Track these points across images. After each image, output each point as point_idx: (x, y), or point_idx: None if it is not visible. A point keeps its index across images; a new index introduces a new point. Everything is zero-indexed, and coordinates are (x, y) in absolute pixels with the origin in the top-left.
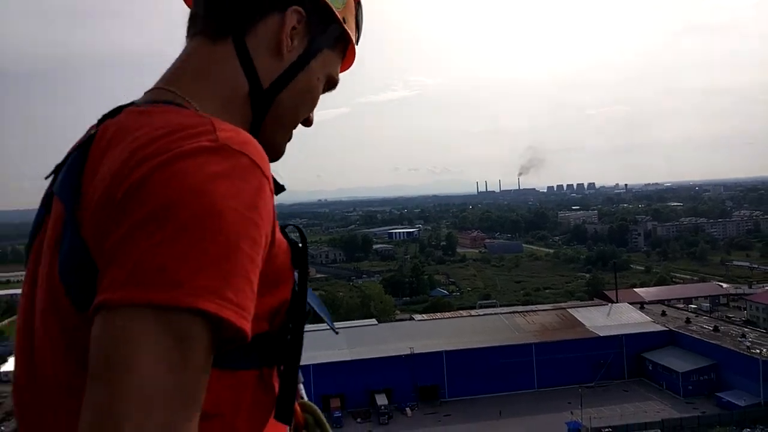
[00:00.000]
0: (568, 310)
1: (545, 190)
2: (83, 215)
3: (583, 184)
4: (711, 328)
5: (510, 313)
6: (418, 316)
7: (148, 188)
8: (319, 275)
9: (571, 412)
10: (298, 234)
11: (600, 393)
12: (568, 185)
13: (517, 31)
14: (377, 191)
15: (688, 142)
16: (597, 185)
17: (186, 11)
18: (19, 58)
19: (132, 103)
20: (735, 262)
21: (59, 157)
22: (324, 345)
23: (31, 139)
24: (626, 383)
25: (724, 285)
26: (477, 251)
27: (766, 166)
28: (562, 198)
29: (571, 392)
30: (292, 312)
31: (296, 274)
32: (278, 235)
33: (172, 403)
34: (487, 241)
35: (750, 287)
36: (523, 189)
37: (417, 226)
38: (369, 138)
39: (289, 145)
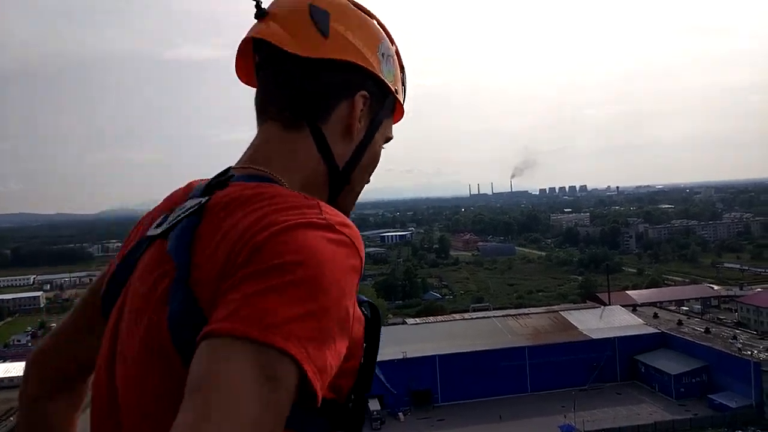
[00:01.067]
0: (560, 312)
1: (537, 193)
2: (197, 276)
3: (575, 186)
4: (702, 330)
5: (503, 316)
6: (410, 320)
7: (265, 250)
8: None
9: (565, 416)
10: (368, 307)
11: (593, 396)
12: (560, 187)
13: (512, 32)
14: (370, 193)
15: (679, 144)
16: (589, 187)
17: (182, 12)
18: None
19: (230, 176)
20: (726, 264)
21: (44, 162)
22: None
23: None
24: (619, 386)
25: (716, 287)
26: (470, 254)
27: (756, 168)
28: (555, 200)
29: (565, 395)
30: (359, 383)
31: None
32: (357, 309)
33: (252, 430)
34: (480, 243)
35: (741, 289)
36: (516, 191)
37: (410, 229)
38: None
39: None
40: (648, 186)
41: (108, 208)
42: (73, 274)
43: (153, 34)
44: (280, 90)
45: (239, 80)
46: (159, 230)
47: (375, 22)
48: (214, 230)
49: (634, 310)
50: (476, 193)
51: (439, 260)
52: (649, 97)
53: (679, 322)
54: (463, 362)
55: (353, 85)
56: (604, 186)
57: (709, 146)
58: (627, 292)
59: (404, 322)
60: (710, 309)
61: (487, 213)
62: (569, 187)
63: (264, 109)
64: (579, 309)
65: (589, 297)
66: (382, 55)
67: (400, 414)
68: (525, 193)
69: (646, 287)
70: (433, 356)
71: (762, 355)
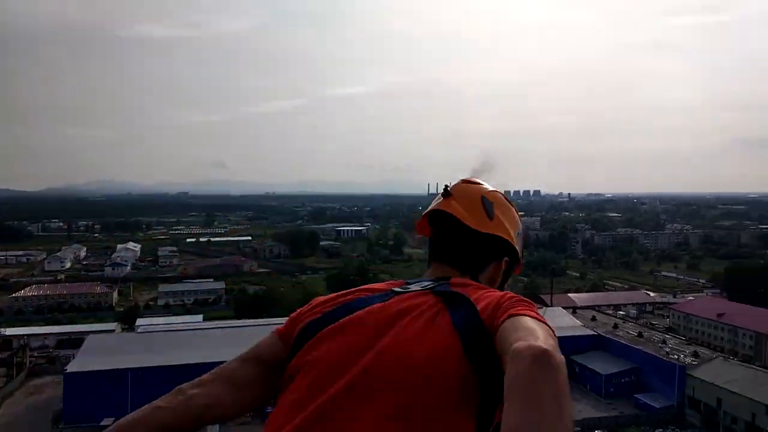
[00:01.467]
0: None
1: None
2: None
3: (529, 190)
4: (636, 334)
5: None
6: None
7: (517, 307)
8: (261, 270)
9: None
10: None
11: None
12: (515, 191)
13: (476, 35)
14: (329, 187)
15: (631, 157)
16: (542, 193)
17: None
18: None
19: (445, 276)
20: (663, 273)
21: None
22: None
23: None
24: None
25: (652, 294)
26: (424, 251)
27: (700, 183)
28: None
29: None
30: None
31: None
32: None
33: (552, 343)
34: None
35: (674, 297)
36: None
37: (366, 224)
38: (323, 132)
39: (239, 134)
40: (598, 194)
41: (51, 185)
42: (9, 253)
43: (110, 8)
44: (456, 249)
45: (417, 231)
46: (410, 288)
47: (515, 210)
48: (468, 292)
49: (574, 312)
50: (434, 192)
51: (393, 257)
52: (605, 111)
53: (615, 326)
54: None
55: (502, 252)
56: (556, 192)
57: (658, 160)
58: (569, 294)
59: None
60: (645, 314)
61: None
62: (524, 191)
63: (441, 257)
64: None
65: (534, 298)
66: (518, 233)
67: None
68: None
69: (587, 291)
70: None
71: (688, 360)
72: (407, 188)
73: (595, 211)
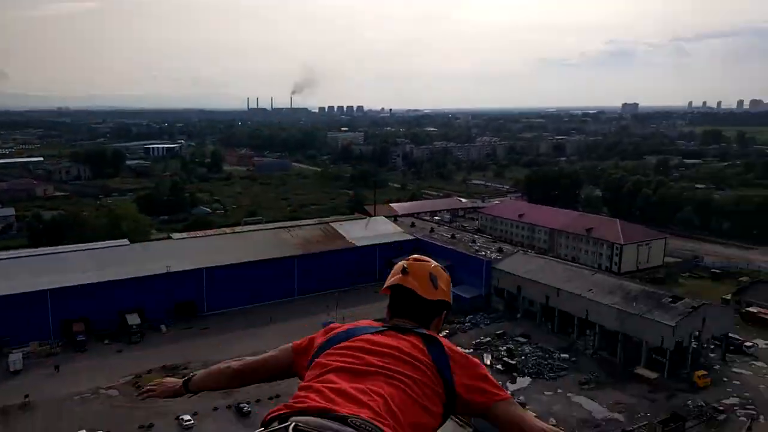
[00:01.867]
0: (330, 224)
1: (317, 111)
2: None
3: (353, 106)
4: (449, 236)
5: (275, 228)
6: (176, 235)
7: (489, 380)
8: (58, 193)
9: (328, 314)
10: None
11: (354, 295)
12: (338, 107)
13: None
14: (132, 101)
15: (446, 74)
16: (365, 108)
17: None
18: None
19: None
20: (474, 181)
21: None
22: (67, 268)
23: None
24: (378, 286)
25: (464, 200)
26: (245, 169)
27: (507, 99)
28: (333, 119)
29: (330, 297)
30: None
31: None
32: None
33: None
34: (256, 158)
35: (483, 202)
36: (296, 108)
37: (179, 141)
38: (120, 39)
39: (20, 37)
40: (417, 110)
41: None
42: None
43: None
44: (413, 310)
45: (381, 292)
46: (389, 326)
47: (448, 276)
48: (439, 338)
49: (395, 220)
50: (255, 107)
51: (210, 175)
52: (422, 32)
53: (432, 230)
54: (231, 273)
55: (442, 310)
56: (378, 108)
57: (471, 78)
58: (391, 204)
59: (169, 238)
60: (458, 218)
61: (265, 128)
62: (347, 107)
63: (402, 314)
64: (348, 220)
65: (358, 209)
66: (451, 292)
67: (162, 326)
68: (305, 110)
69: (407, 200)
70: (200, 269)
71: (493, 255)
72: (224, 103)
73: (414, 125)
